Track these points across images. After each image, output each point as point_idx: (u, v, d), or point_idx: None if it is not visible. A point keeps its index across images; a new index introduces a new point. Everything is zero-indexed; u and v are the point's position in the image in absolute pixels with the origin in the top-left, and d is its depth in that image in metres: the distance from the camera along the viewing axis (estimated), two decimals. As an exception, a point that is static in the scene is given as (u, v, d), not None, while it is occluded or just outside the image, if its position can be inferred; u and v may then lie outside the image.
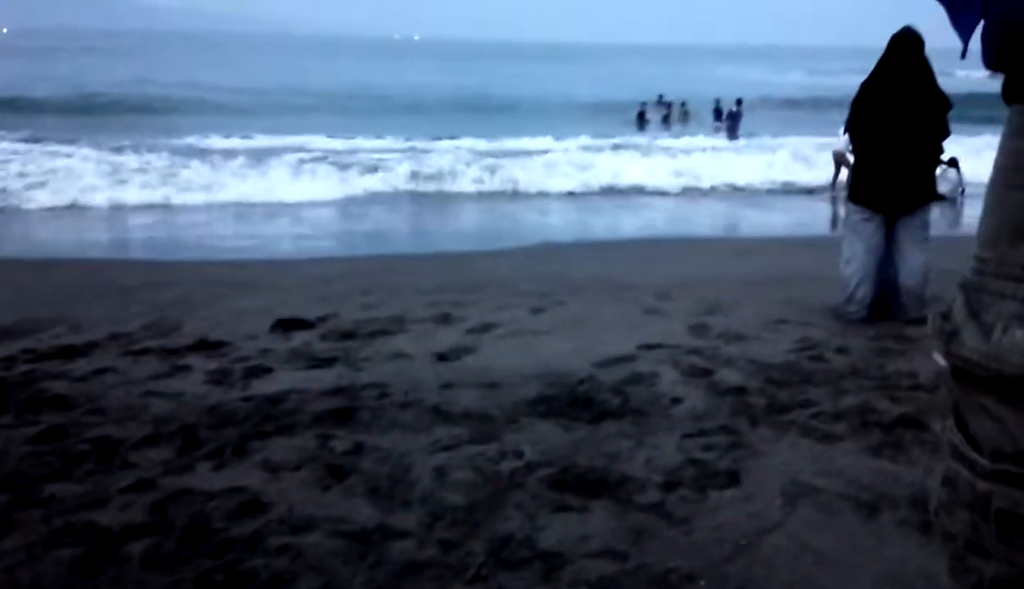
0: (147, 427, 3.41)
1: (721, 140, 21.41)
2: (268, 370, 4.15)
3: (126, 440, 3.26)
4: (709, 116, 25.66)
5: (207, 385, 3.95)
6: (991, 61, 1.02)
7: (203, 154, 14.36)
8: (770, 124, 24.69)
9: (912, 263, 5.07)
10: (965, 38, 1.07)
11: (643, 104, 26.79)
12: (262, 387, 3.90)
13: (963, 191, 13.54)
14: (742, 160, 16.03)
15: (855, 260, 5.13)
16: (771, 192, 13.60)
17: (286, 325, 4.94)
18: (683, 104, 27.78)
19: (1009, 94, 1.03)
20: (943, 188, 13.73)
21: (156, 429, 3.39)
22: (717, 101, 25.24)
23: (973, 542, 1.00)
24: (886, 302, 5.17)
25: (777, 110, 29.62)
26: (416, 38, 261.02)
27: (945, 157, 14.19)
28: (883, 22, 5.30)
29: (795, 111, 28.90)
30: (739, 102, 23.66)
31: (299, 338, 4.74)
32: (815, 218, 11.51)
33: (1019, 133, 0.99)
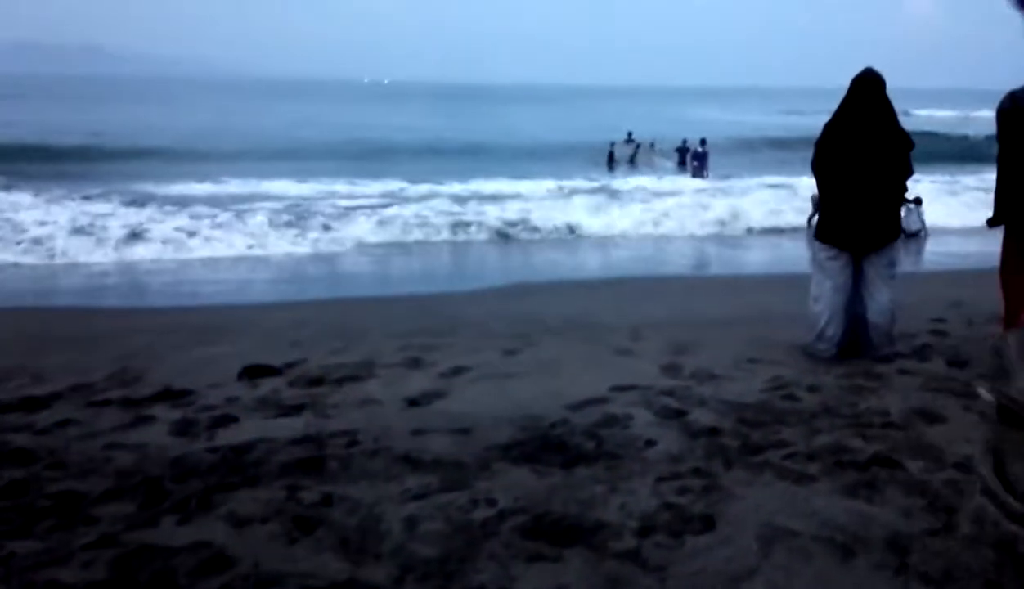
0: (109, 480, 3.31)
1: (690, 180, 21.65)
2: (234, 419, 4.07)
3: (88, 494, 3.16)
4: (676, 155, 25.99)
5: (171, 436, 3.85)
6: None
7: (168, 201, 14.28)
8: (739, 164, 25.08)
9: (880, 301, 5.11)
10: None
11: (612, 144, 27.06)
12: (228, 437, 3.81)
13: (926, 234, 13.83)
14: (710, 200, 16.23)
15: (823, 298, 5.16)
16: (739, 231, 13.74)
17: (253, 372, 4.85)
18: (652, 144, 28.13)
19: None
20: (907, 225, 14.06)
21: (119, 482, 3.29)
22: (684, 141, 25.59)
23: (993, 581, 0.97)
24: (855, 340, 5.19)
25: (747, 150, 30.09)
26: (386, 82, 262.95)
27: (910, 195, 14.58)
28: (847, 64, 5.39)
29: (765, 151, 29.36)
30: (703, 142, 23.99)
31: (266, 385, 4.66)
32: (784, 256, 11.62)
33: None
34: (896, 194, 5.20)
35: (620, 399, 4.31)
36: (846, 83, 5.17)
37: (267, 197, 16.14)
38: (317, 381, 4.71)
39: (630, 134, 28.26)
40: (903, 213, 14.64)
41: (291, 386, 4.65)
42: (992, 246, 5.51)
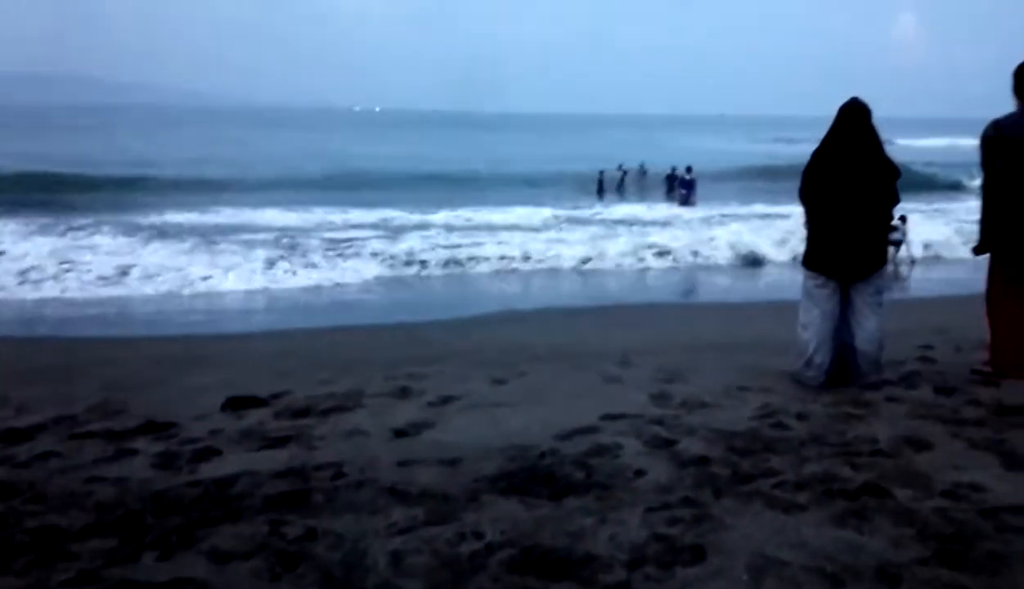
0: (90, 515, 3.25)
1: (679, 209, 21.78)
2: (217, 452, 4.01)
3: (68, 529, 3.11)
4: (665, 183, 26.14)
5: (153, 469, 3.79)
6: None
7: (155, 231, 14.26)
8: (728, 192, 25.25)
9: (867, 328, 5.11)
10: None
11: (602, 172, 27.21)
12: (211, 470, 3.75)
13: (909, 253, 13.98)
14: (696, 229, 16.33)
15: (812, 326, 5.16)
16: (725, 259, 13.77)
17: (237, 404, 4.80)
18: (643, 173, 28.27)
19: None
20: (895, 236, 14.26)
21: (99, 517, 3.23)
22: (673, 169, 25.75)
23: None
24: (843, 367, 5.19)
25: (736, 178, 30.25)
26: (377, 110, 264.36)
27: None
28: (837, 92, 5.42)
29: (754, 180, 29.52)
30: (689, 169, 24.12)
31: (251, 417, 4.60)
32: (772, 283, 11.66)
33: None
34: (882, 222, 5.22)
35: (610, 428, 4.28)
36: (834, 112, 5.21)
37: (256, 227, 16.15)
38: (303, 412, 4.66)
39: (620, 165, 28.44)
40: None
41: (276, 417, 4.59)
42: (978, 273, 5.54)
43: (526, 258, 13.24)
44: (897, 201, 5.25)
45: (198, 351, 6.59)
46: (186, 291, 10.42)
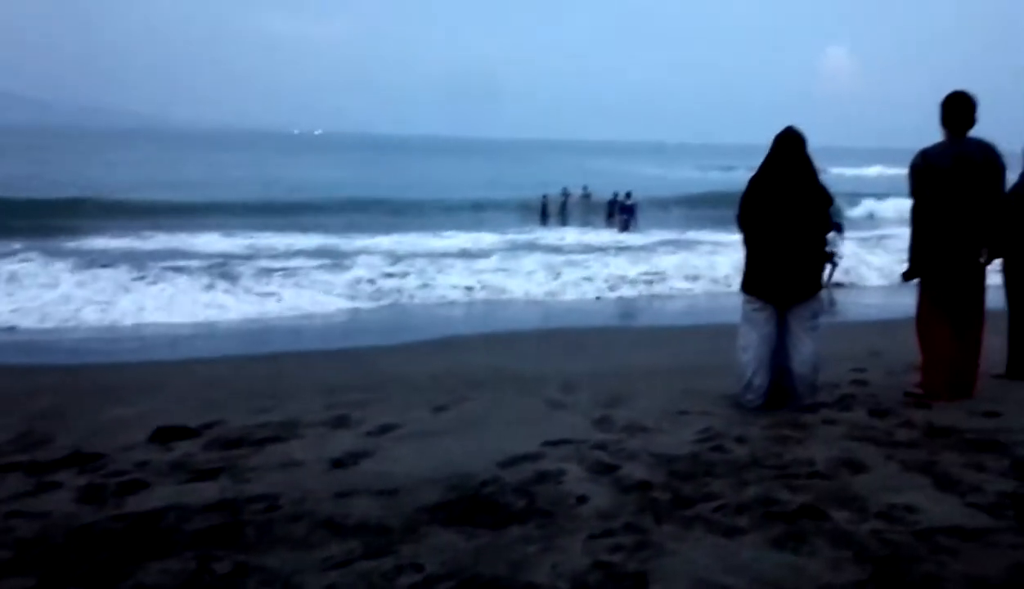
0: (10, 552, 3.10)
1: (620, 235, 22.01)
2: (145, 485, 3.86)
3: (-14, 568, 2.95)
4: (607, 208, 26.37)
5: (77, 503, 3.63)
6: None
7: (84, 256, 13.88)
8: (669, 219, 25.64)
9: (804, 352, 5.19)
10: None
11: (545, 197, 27.37)
12: (137, 504, 3.61)
13: (839, 258, 14.37)
14: (639, 255, 16.50)
15: (750, 349, 5.23)
16: (664, 284, 13.91)
17: (166, 434, 4.65)
18: (587, 197, 28.48)
19: None
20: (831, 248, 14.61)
21: (20, 554, 3.08)
22: (615, 194, 25.95)
23: None
24: (781, 390, 5.26)
25: (678, 205, 30.68)
26: (317, 133, 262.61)
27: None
28: (777, 122, 5.53)
29: (696, 206, 29.92)
30: (628, 195, 24.40)
31: (180, 448, 4.46)
32: (713, 307, 11.81)
33: None
34: (817, 248, 5.32)
35: (552, 454, 4.25)
36: (770, 140, 5.31)
37: (191, 253, 15.80)
38: (235, 443, 4.53)
39: (564, 190, 28.64)
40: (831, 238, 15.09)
41: (207, 448, 4.46)
42: (909, 297, 5.68)
43: (468, 285, 13.18)
44: (830, 228, 5.37)
45: (127, 380, 6.38)
46: (115, 318, 10.06)
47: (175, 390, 5.90)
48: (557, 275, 14.19)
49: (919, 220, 5.32)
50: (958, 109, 5.18)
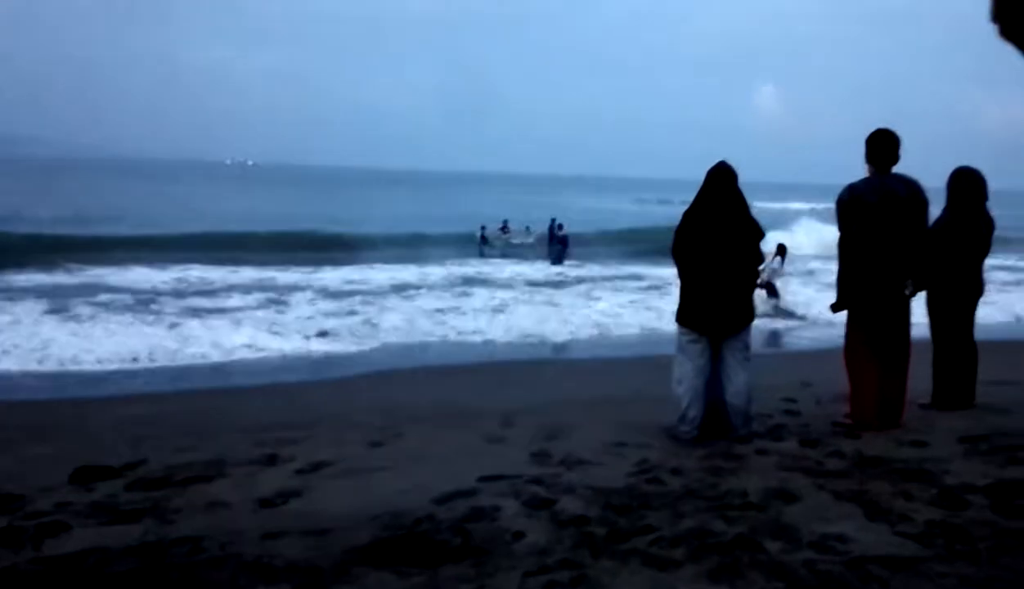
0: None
1: (553, 267, 22.15)
2: (65, 527, 3.70)
3: None
4: (544, 240, 26.51)
5: (-8, 548, 3.45)
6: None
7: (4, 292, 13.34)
8: (603, 251, 25.89)
9: (737, 382, 5.26)
10: None
11: (483, 228, 27.49)
12: (57, 547, 3.46)
13: (781, 273, 14.69)
14: (573, 286, 16.59)
15: (685, 380, 5.27)
16: (603, 316, 13.99)
17: (88, 474, 4.49)
18: (527, 230, 28.58)
19: None
20: (766, 276, 14.90)
21: (-76, 607, 2.89)
22: (551, 226, 26.03)
23: None
24: (715, 421, 5.30)
25: (613, 239, 30.98)
26: (250, 163, 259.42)
27: (773, 245, 15.59)
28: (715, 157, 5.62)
29: (630, 240, 30.27)
30: (560, 226, 24.50)
31: (102, 489, 4.31)
32: (649, 339, 11.89)
33: None
34: (749, 280, 5.42)
35: (489, 490, 4.20)
36: (703, 175, 5.40)
37: (117, 288, 15.33)
38: (159, 483, 4.38)
39: (505, 222, 28.74)
40: (774, 265, 15.34)
41: (130, 489, 4.31)
42: (836, 328, 5.81)
43: (406, 317, 13.05)
44: (762, 260, 5.47)
45: (47, 418, 6.12)
46: (37, 355, 9.64)
47: (97, 428, 5.68)
48: (495, 305, 14.19)
49: (846, 253, 5.46)
50: (882, 146, 5.35)
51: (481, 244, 26.68)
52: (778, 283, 14.95)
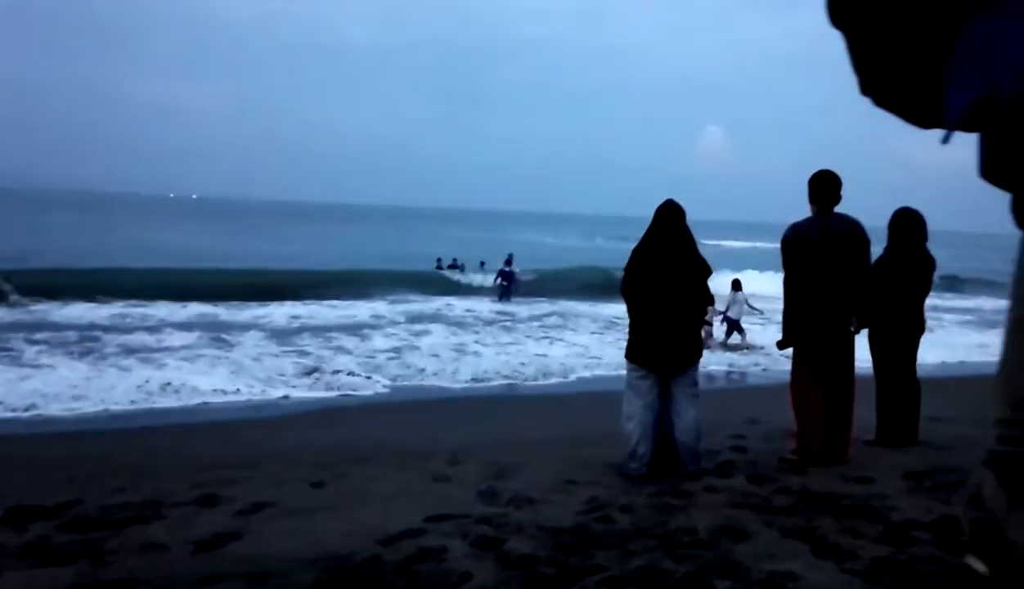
0: None
1: (501, 304, 22.02)
2: (-7, 571, 3.51)
3: None
4: (495, 276, 26.51)
5: (-88, 595, 3.26)
6: (992, 171, 0.83)
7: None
8: (558, 286, 25.95)
9: (686, 419, 5.27)
10: (953, 116, 0.87)
11: (439, 260, 27.54)
12: (-18, 593, 3.27)
13: (750, 310, 14.86)
14: (524, 323, 16.56)
15: (635, 417, 5.27)
16: (550, 353, 14.00)
17: (20, 514, 4.31)
18: (481, 265, 28.52)
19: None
20: (733, 312, 15.05)
21: None
22: (510, 254, 26.01)
23: None
24: (664, 457, 5.30)
25: (564, 275, 31.09)
26: (194, 197, 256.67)
27: (729, 282, 15.73)
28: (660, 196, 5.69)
29: (585, 273, 30.41)
30: (509, 262, 24.37)
31: (35, 530, 4.13)
32: (599, 376, 11.90)
33: None
34: (697, 317, 5.45)
35: (435, 530, 4.11)
36: (651, 212, 5.46)
37: (55, 325, 14.87)
38: (94, 524, 4.20)
39: (455, 259, 28.72)
40: (729, 298, 15.49)
41: (63, 530, 4.14)
42: (783, 364, 5.87)
43: (354, 354, 12.90)
44: (710, 299, 5.52)
45: (-26, 458, 5.85)
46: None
47: (27, 468, 5.44)
48: (447, 343, 14.13)
49: (791, 291, 5.55)
50: (825, 186, 5.48)
51: (438, 277, 26.54)
52: (737, 315, 15.04)
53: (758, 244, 60.66)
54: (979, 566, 0.77)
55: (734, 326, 15.04)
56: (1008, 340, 0.81)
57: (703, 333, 14.61)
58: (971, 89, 0.84)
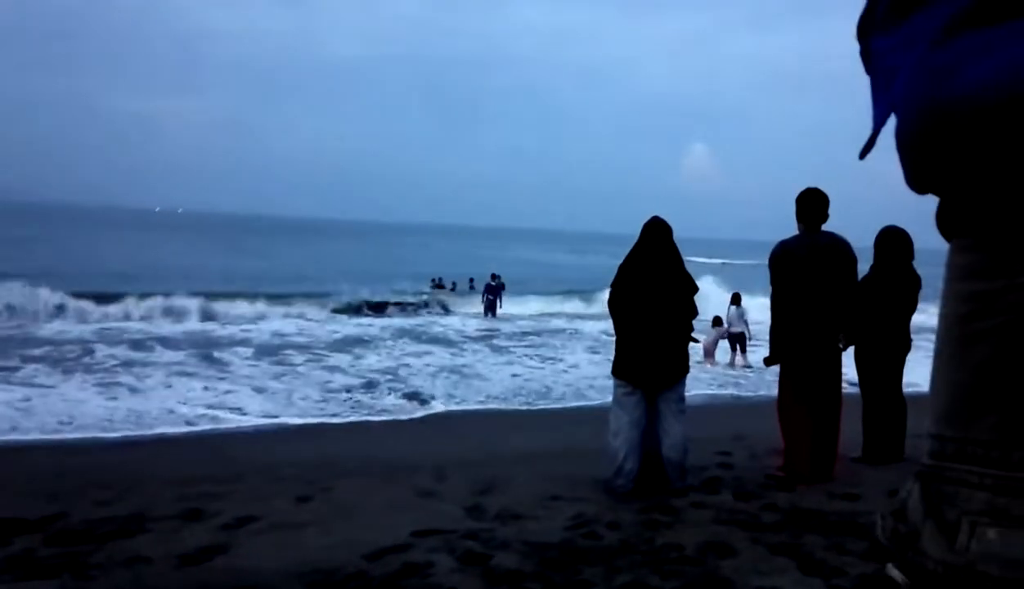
0: None
1: (488, 321, 22.06)
2: (-25, 584, 3.48)
3: None
4: (483, 291, 26.56)
5: None
6: (917, 180, 0.81)
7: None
8: (540, 302, 25.97)
9: (673, 435, 5.27)
10: (878, 124, 0.83)
11: (432, 281, 27.56)
12: (-35, 607, 3.24)
13: (749, 335, 14.77)
14: (512, 338, 16.53)
15: (621, 433, 5.26)
16: (536, 368, 14.00)
17: (3, 528, 4.27)
18: (471, 281, 28.52)
19: (948, 225, 0.79)
20: (736, 327, 14.96)
21: None
22: (492, 278, 26.17)
23: None
24: (651, 474, 5.30)
25: (548, 290, 31.13)
26: (180, 211, 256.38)
27: (728, 296, 15.58)
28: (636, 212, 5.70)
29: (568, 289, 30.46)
30: (494, 277, 24.52)
31: (19, 543, 4.10)
32: (586, 391, 11.88)
33: (969, 274, 0.77)
34: (684, 333, 5.46)
35: (421, 545, 4.10)
36: (625, 229, 5.48)
37: (40, 340, 14.73)
38: (78, 537, 4.17)
39: (440, 278, 28.70)
40: (731, 314, 15.40)
41: (48, 543, 4.11)
42: (769, 381, 5.89)
43: (340, 368, 12.85)
44: (696, 314, 5.53)
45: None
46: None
47: (11, 481, 5.39)
48: (433, 360, 14.10)
49: (778, 307, 5.57)
50: (812, 204, 5.51)
51: (429, 297, 26.50)
52: (740, 329, 14.86)
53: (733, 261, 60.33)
54: (897, 575, 0.80)
55: (737, 340, 14.80)
56: (936, 357, 0.82)
57: (709, 359, 14.49)
58: (882, 106, 0.83)
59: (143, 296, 20.24)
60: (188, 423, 8.49)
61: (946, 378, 0.79)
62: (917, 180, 0.80)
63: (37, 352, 12.85)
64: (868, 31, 0.86)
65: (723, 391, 12.17)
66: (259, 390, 10.59)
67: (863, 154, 0.87)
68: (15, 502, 4.77)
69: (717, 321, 15.10)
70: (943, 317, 0.81)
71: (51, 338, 14.87)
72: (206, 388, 10.60)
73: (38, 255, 34.80)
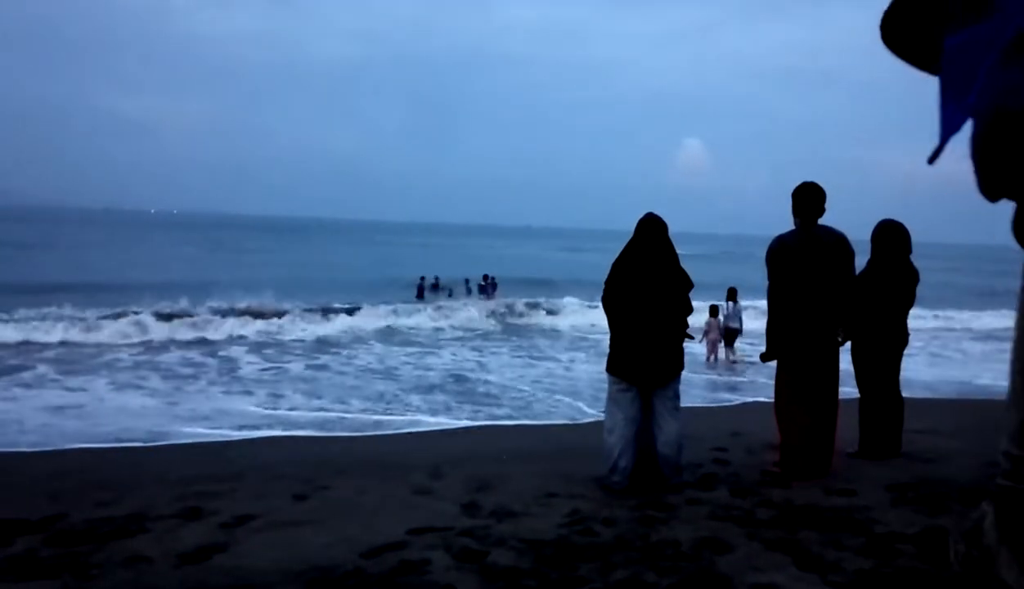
0: None
1: (483, 306, 22.38)
2: (-23, 584, 3.50)
3: None
4: (478, 291, 26.69)
5: None
6: (988, 186, 0.79)
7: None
8: (532, 297, 26.04)
9: (668, 432, 5.28)
10: (947, 132, 0.81)
11: (423, 278, 27.59)
12: (-34, 607, 3.26)
13: (741, 330, 14.77)
14: (510, 336, 16.51)
15: (616, 430, 5.27)
16: (532, 365, 14.02)
17: (5, 529, 4.28)
18: (466, 281, 28.59)
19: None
20: (733, 323, 14.95)
21: None
22: (485, 277, 26.56)
23: None
24: (646, 470, 5.31)
25: (541, 286, 31.14)
26: (175, 212, 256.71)
27: (726, 289, 15.54)
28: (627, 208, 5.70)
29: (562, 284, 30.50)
30: (486, 277, 26.01)
31: (20, 544, 4.12)
32: (582, 390, 11.88)
33: None
34: (679, 330, 5.46)
35: (418, 543, 4.12)
36: (618, 225, 5.48)
37: (37, 343, 14.71)
38: (78, 538, 4.19)
39: (437, 278, 28.75)
40: (728, 310, 15.33)
41: (49, 544, 4.13)
42: (765, 377, 5.91)
43: (333, 370, 12.84)
44: (691, 311, 5.54)
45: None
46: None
47: (11, 482, 5.41)
48: (427, 357, 14.12)
49: (776, 303, 5.58)
50: (808, 198, 5.52)
51: (419, 293, 26.59)
52: (737, 325, 14.80)
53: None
54: None
55: (734, 336, 14.78)
56: (1014, 368, 0.77)
57: (711, 354, 14.45)
58: (953, 110, 0.81)
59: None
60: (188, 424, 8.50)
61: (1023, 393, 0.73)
62: (989, 187, 0.78)
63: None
64: (939, 31, 0.84)
65: (719, 388, 12.19)
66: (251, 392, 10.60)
67: (932, 159, 0.84)
68: (15, 503, 4.79)
69: (714, 310, 15.10)
70: (1020, 333, 0.77)
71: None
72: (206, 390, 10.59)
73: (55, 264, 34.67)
